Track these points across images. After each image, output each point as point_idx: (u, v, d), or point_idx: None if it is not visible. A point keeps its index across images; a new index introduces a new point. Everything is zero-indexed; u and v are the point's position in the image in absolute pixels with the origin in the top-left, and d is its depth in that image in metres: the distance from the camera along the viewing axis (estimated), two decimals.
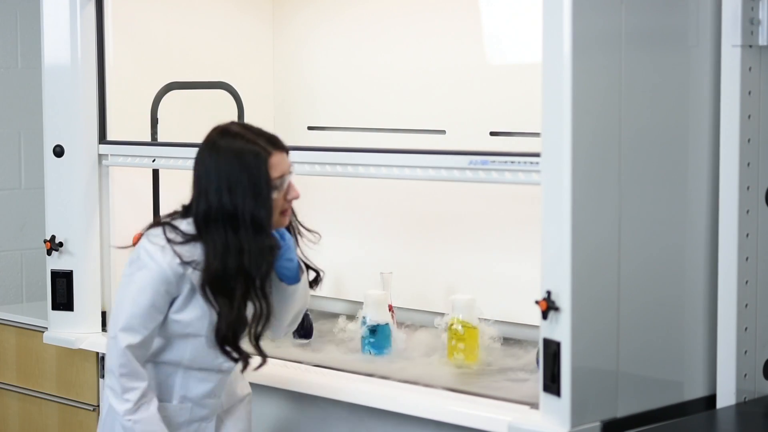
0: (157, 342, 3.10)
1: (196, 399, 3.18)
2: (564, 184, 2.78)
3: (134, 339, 3.01)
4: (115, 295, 3.12)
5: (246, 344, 3.10)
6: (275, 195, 3.03)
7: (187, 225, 3.06)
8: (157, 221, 3.10)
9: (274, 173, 3.02)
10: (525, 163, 3.07)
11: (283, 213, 3.08)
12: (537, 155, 2.89)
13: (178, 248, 3.02)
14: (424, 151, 3.38)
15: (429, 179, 3.33)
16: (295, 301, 3.23)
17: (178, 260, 3.02)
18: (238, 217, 2.98)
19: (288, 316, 3.25)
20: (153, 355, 3.11)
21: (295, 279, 3.18)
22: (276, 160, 3.04)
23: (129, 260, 3.08)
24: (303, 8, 4.41)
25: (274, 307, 3.12)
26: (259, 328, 3.09)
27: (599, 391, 2.87)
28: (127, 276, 3.06)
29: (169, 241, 3.02)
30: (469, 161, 3.21)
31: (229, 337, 3.04)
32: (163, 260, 3.02)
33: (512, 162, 3.11)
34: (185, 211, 3.10)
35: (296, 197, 3.09)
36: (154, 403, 3.06)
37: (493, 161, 3.15)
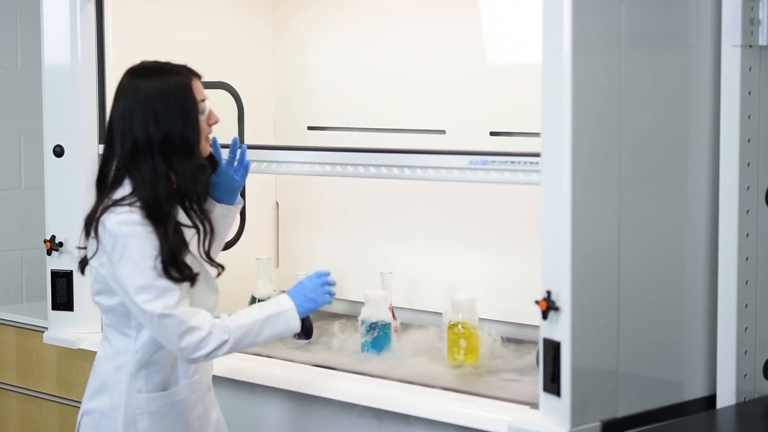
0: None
1: (197, 366, 3.18)
2: (564, 184, 2.78)
3: (173, 299, 2.97)
4: (115, 286, 3.03)
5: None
6: (201, 118, 3.10)
7: (122, 189, 3.04)
8: (92, 213, 3.06)
9: (197, 97, 3.10)
10: (525, 163, 3.08)
11: (206, 139, 3.14)
12: (537, 155, 2.89)
13: (139, 203, 3.01)
14: (424, 151, 3.38)
15: (429, 179, 3.33)
16: (235, 220, 3.39)
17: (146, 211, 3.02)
18: (168, 144, 3.02)
19: (227, 238, 3.40)
20: (155, 345, 3.09)
21: (236, 199, 3.37)
22: (196, 84, 3.12)
23: (104, 251, 3.01)
24: (303, 8, 4.42)
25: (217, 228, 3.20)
26: (207, 245, 3.12)
27: (599, 391, 2.87)
28: (116, 262, 2.99)
29: (129, 205, 3.01)
30: (469, 161, 3.21)
31: (168, 260, 3.00)
32: (138, 218, 2.99)
33: (512, 162, 3.11)
34: (103, 188, 3.08)
35: (216, 121, 3.16)
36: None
37: (493, 161, 3.16)
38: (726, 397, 3.02)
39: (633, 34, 2.87)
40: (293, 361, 3.62)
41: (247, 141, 4.36)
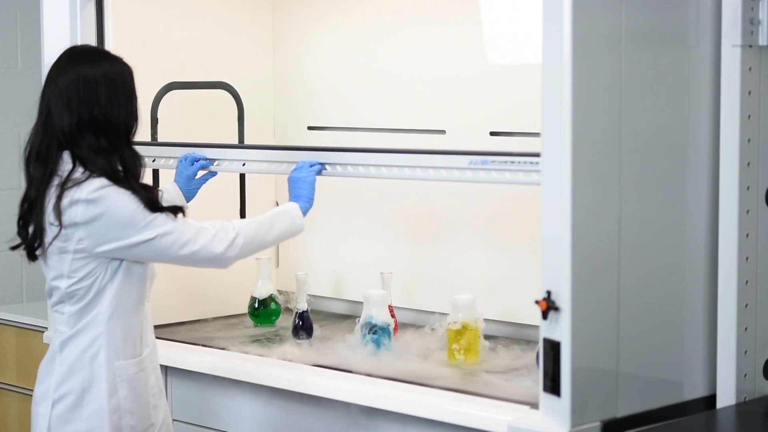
0: (134, 287, 3.16)
1: (150, 334, 3.26)
2: (564, 184, 2.78)
3: (171, 218, 3.10)
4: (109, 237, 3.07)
5: None
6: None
7: (63, 166, 3.08)
8: (37, 197, 3.10)
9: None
10: (525, 163, 3.07)
11: None
12: (537, 155, 2.89)
13: (95, 174, 3.08)
14: (424, 151, 3.38)
15: (429, 179, 3.33)
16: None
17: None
18: (110, 126, 3.09)
19: None
20: (123, 309, 3.14)
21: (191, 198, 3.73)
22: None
23: (83, 225, 3.04)
24: (303, 8, 4.42)
25: None
26: None
27: (599, 391, 2.87)
28: (104, 221, 3.04)
29: (88, 177, 3.06)
30: (470, 161, 3.21)
31: (150, 203, 3.08)
32: (107, 181, 3.06)
33: (512, 162, 3.11)
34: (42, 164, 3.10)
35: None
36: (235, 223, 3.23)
37: (493, 161, 3.15)
38: (726, 397, 3.02)
39: (633, 34, 2.87)
40: (292, 361, 3.62)
41: (247, 140, 4.37)
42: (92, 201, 3.04)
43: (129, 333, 3.17)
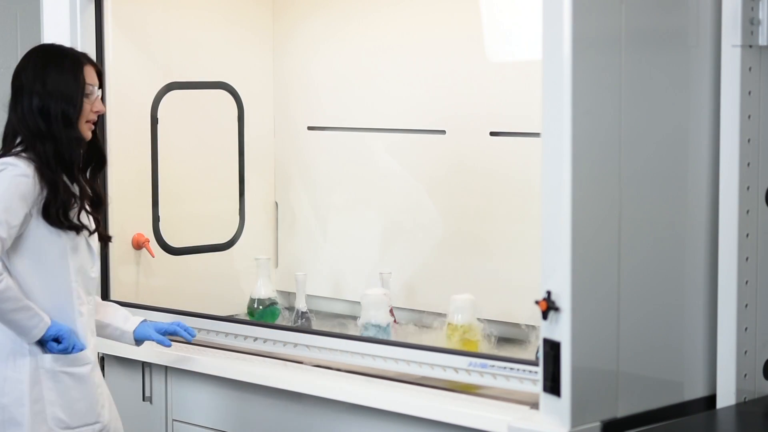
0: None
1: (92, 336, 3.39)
2: (564, 184, 2.78)
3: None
4: None
5: None
6: (85, 101, 3.32)
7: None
8: None
9: (86, 80, 3.32)
10: (523, 371, 3.10)
11: (88, 122, 3.34)
12: (535, 364, 2.90)
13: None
14: (426, 348, 3.37)
15: (428, 376, 3.31)
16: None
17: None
18: (48, 114, 3.28)
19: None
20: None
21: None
22: (88, 70, 3.35)
23: None
24: (303, 8, 4.41)
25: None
26: (87, 207, 3.34)
27: (599, 391, 2.87)
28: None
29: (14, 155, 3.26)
30: (469, 362, 3.22)
31: (60, 211, 3.25)
32: (11, 160, 3.25)
33: (510, 368, 3.13)
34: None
35: (101, 111, 3.37)
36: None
37: (493, 365, 3.17)
38: (726, 397, 3.02)
39: (633, 34, 2.87)
40: (293, 361, 3.62)
41: (247, 140, 4.37)
42: None
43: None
